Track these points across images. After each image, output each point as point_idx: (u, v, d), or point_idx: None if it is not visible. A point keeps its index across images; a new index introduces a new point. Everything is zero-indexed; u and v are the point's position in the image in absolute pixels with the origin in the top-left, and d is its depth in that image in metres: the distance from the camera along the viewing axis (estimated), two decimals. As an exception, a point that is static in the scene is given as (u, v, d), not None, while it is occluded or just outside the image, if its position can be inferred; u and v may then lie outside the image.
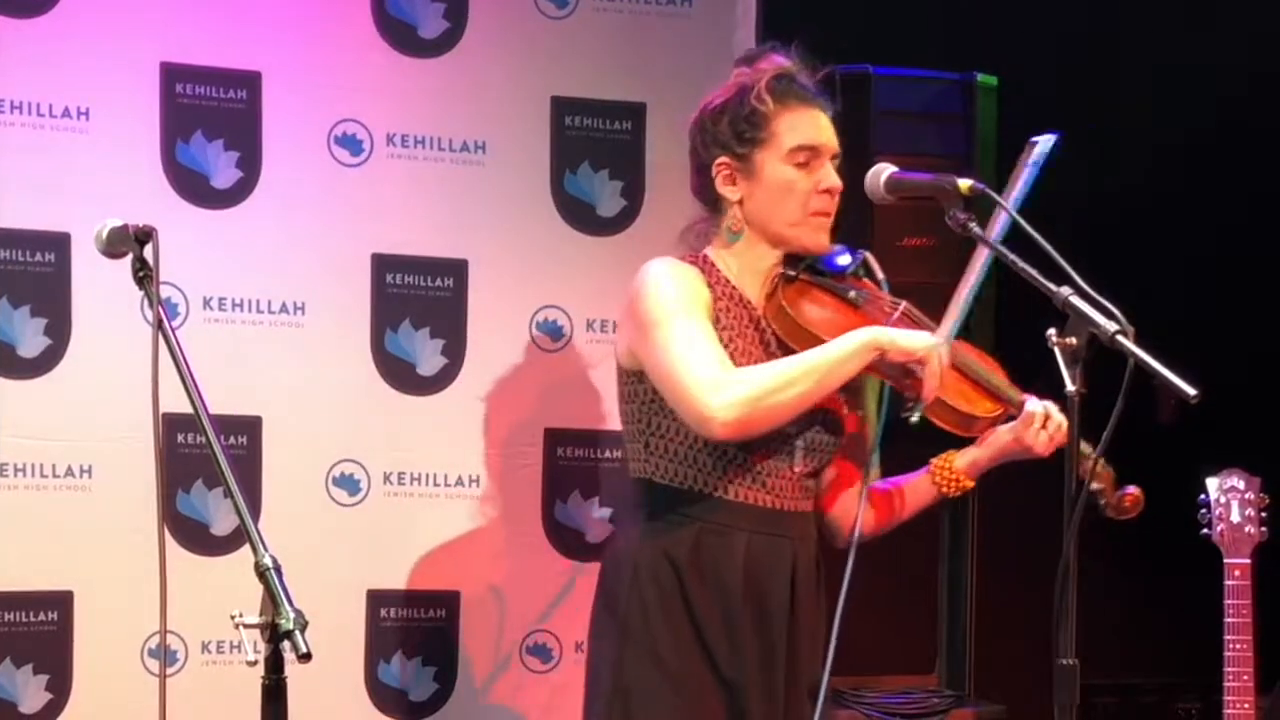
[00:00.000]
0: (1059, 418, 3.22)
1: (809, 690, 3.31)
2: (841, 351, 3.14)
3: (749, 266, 3.33)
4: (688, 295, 3.22)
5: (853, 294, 3.31)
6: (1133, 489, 3.30)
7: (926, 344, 3.15)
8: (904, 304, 3.31)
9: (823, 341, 3.19)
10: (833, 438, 3.35)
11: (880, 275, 3.34)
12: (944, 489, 3.40)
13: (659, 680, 3.23)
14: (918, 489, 3.44)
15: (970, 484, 3.40)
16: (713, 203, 3.34)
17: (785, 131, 3.26)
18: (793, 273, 3.31)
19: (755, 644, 3.25)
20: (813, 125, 3.28)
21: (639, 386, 3.28)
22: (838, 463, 3.43)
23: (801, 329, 3.23)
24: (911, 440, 3.38)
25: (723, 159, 3.28)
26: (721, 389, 3.10)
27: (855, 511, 3.35)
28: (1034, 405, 3.27)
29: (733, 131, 3.28)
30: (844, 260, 3.33)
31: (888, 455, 3.48)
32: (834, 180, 3.26)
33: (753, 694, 3.25)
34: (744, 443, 3.21)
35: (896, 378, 3.22)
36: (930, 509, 3.49)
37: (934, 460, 3.41)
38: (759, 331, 3.29)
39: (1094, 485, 3.26)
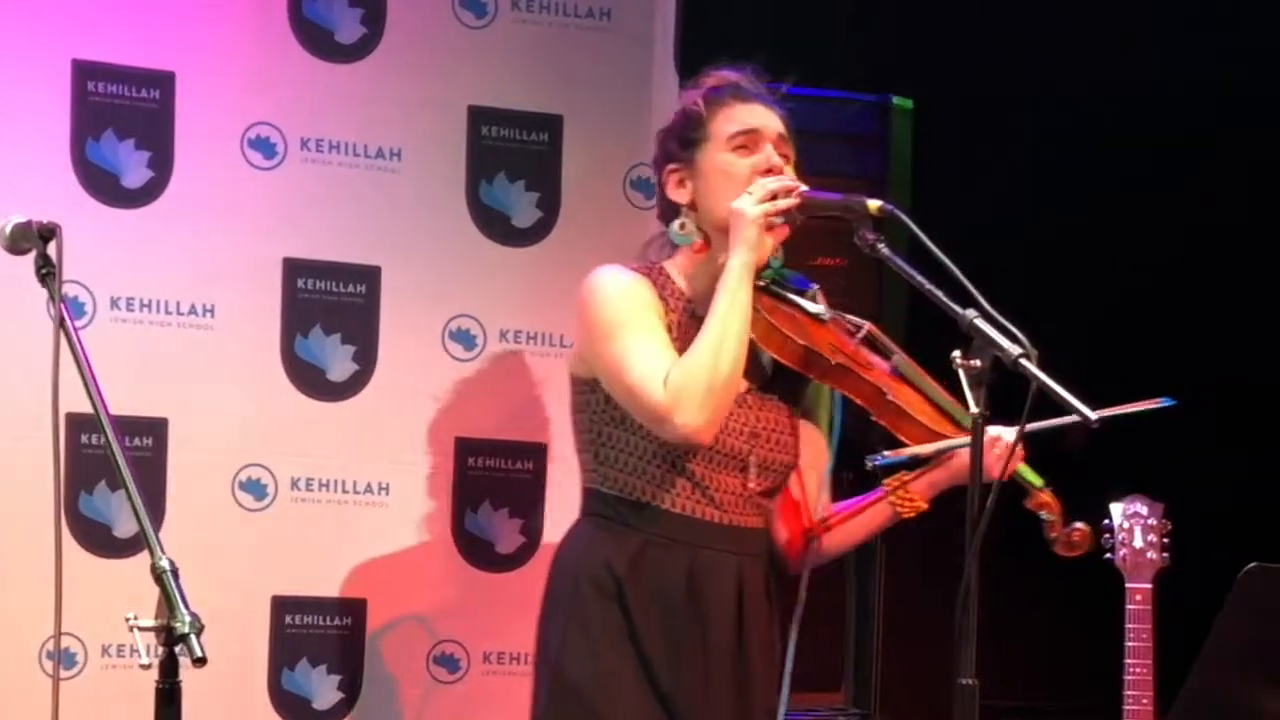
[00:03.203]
0: (1008, 439, 3.20)
1: (765, 709, 3.31)
2: (729, 286, 3.18)
3: (703, 275, 3.33)
4: (639, 301, 3.26)
5: (816, 310, 3.32)
6: (1081, 524, 3.33)
7: (751, 206, 3.19)
8: (867, 325, 3.32)
9: (792, 341, 3.24)
10: (787, 458, 3.36)
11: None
12: (900, 510, 3.39)
13: (596, 688, 3.24)
14: (872, 511, 3.43)
15: (925, 506, 3.40)
16: (671, 215, 3.37)
17: (721, 124, 3.32)
18: (760, 283, 3.31)
19: (698, 657, 3.25)
20: (749, 114, 3.33)
21: (590, 396, 3.30)
22: (791, 485, 3.42)
23: (774, 328, 3.24)
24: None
25: (670, 167, 3.35)
26: (681, 404, 3.13)
27: (809, 538, 3.37)
28: (993, 430, 3.21)
29: (676, 141, 3.36)
30: (804, 282, 3.36)
31: (845, 476, 3.48)
32: (775, 160, 3.29)
33: (692, 706, 3.24)
34: (694, 457, 3.24)
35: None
36: (884, 531, 3.49)
37: (888, 481, 3.40)
38: None
39: (1045, 515, 3.32)
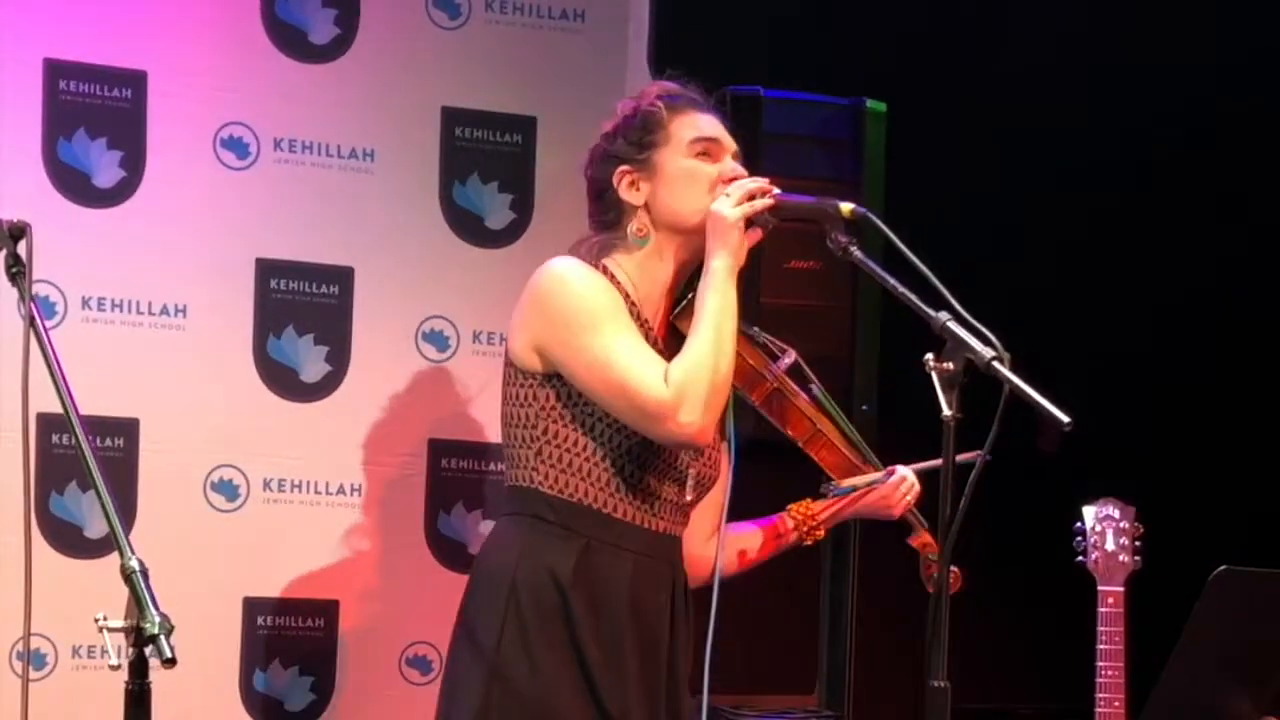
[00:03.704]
0: (917, 485, 3.36)
1: (688, 715, 3.29)
2: (717, 287, 3.14)
3: (650, 279, 3.27)
4: (613, 297, 3.19)
5: (751, 330, 3.32)
6: (954, 568, 3.35)
7: (729, 209, 3.17)
8: (793, 354, 3.32)
9: (740, 359, 3.21)
10: (715, 473, 3.34)
11: None
12: (805, 538, 3.44)
13: (538, 694, 3.15)
14: (772, 534, 3.45)
15: (823, 533, 3.47)
16: (615, 217, 3.29)
17: (681, 129, 3.25)
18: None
19: (638, 673, 3.20)
20: (709, 123, 3.28)
21: (539, 390, 3.20)
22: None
23: None
24: (772, 482, 3.44)
25: (623, 168, 3.26)
26: (686, 403, 3.07)
27: (704, 552, 3.36)
28: (904, 470, 3.37)
29: (629, 142, 3.27)
30: None
31: (750, 495, 3.50)
32: (739, 170, 3.25)
33: (630, 714, 3.19)
34: (643, 465, 3.20)
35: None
36: (780, 555, 3.50)
37: (792, 506, 3.44)
38: (657, 352, 3.22)
39: (927, 555, 3.40)
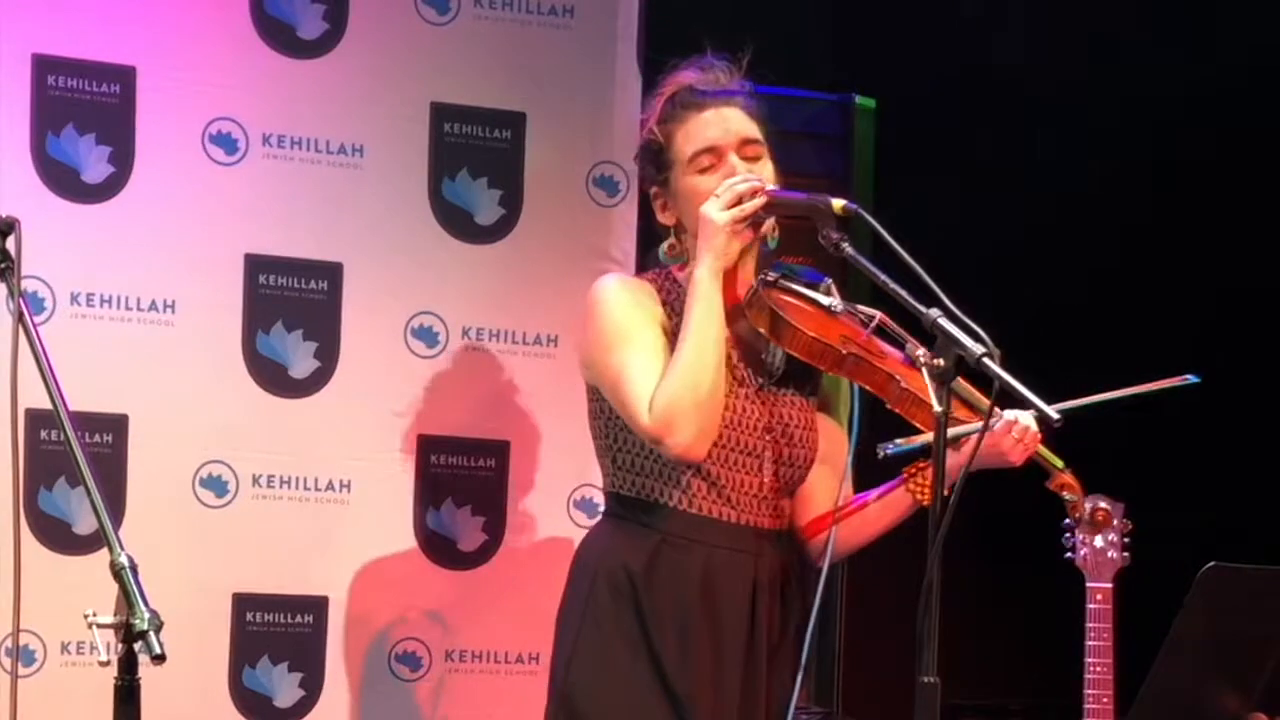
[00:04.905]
0: (1033, 427, 3.24)
1: (771, 712, 3.30)
2: (700, 295, 3.18)
3: None
4: (635, 314, 3.27)
5: (828, 302, 3.31)
6: (1105, 504, 3.35)
7: (717, 213, 3.18)
8: (879, 315, 3.30)
9: (802, 334, 3.21)
10: (805, 452, 3.35)
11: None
12: (918, 497, 3.35)
13: (604, 690, 3.24)
14: (892, 501, 3.40)
15: (945, 492, 3.36)
16: (666, 233, 3.39)
17: (683, 145, 3.30)
18: (770, 278, 3.30)
19: (709, 659, 3.24)
20: (706, 126, 3.30)
21: (601, 403, 3.32)
22: (812, 480, 3.41)
23: (784, 322, 3.22)
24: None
25: (653, 191, 3.37)
26: (672, 427, 3.14)
27: (830, 530, 3.36)
28: (1011, 414, 3.24)
29: (649, 165, 3.37)
30: (816, 275, 3.36)
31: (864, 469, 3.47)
32: (739, 170, 3.26)
33: (701, 709, 3.23)
34: (710, 456, 3.24)
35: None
36: (906, 520, 3.45)
37: (907, 469, 3.38)
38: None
39: (1067, 496, 3.38)
